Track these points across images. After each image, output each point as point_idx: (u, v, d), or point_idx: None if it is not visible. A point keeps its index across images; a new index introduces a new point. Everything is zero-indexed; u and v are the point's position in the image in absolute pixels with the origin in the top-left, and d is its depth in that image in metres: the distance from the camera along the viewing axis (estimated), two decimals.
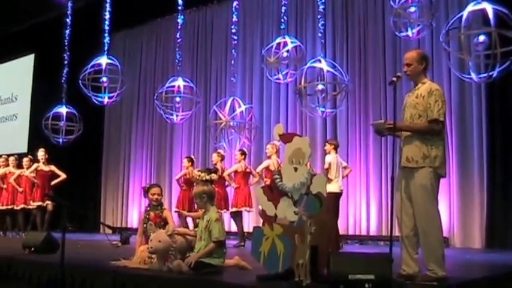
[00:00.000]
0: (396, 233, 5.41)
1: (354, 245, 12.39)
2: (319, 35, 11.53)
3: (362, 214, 12.91)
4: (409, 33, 9.96)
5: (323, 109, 11.23)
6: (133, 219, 17.13)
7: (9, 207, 13.47)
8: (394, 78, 5.39)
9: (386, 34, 12.87)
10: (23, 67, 19.89)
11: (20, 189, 13.34)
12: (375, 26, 13.26)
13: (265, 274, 5.02)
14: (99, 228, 16.99)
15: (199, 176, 6.63)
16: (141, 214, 15.58)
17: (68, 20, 13.81)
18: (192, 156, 12.55)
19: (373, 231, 12.71)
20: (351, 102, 13.09)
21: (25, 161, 13.50)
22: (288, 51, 11.37)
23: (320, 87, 10.74)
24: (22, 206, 13.24)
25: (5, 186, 13.62)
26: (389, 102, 12.33)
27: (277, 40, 11.43)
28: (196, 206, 8.46)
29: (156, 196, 6.76)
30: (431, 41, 12.05)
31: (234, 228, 11.51)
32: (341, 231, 11.31)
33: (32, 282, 6.49)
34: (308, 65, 10.90)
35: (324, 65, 10.70)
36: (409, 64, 5.46)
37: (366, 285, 4.26)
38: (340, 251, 8.73)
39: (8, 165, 13.93)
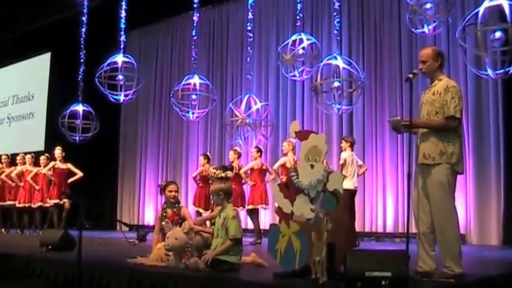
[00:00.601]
0: (413, 230, 5.40)
1: (371, 242, 12.36)
2: (335, 32, 11.50)
3: (378, 211, 12.88)
4: (425, 29, 9.92)
5: (339, 106, 11.21)
6: (150, 217, 17.18)
7: (27, 205, 13.55)
8: (411, 75, 5.37)
9: (402, 31, 12.81)
10: (40, 65, 19.97)
11: (37, 187, 13.41)
12: (390, 22, 13.21)
13: (282, 271, 5.02)
14: (116, 225, 17.06)
15: (215, 173, 6.62)
16: (157, 212, 15.68)
17: (84, 18, 13.85)
18: (208, 154, 12.58)
19: (389, 228, 12.67)
20: (367, 99, 13.06)
21: (42, 159, 13.55)
22: (303, 48, 11.36)
23: (336, 84, 10.73)
24: (39, 204, 13.30)
25: (22, 184, 13.70)
26: (406, 99, 12.31)
27: (293, 37, 11.42)
28: (212, 203, 8.50)
29: (173, 193, 6.76)
30: (447, 38, 11.99)
31: (250, 225, 11.52)
32: (357, 229, 11.29)
33: (49, 280, 6.52)
34: (324, 62, 10.89)
35: (340, 62, 10.69)
36: (424, 61, 5.44)
37: (383, 282, 4.25)
38: (356, 248, 8.70)
39: (25, 163, 14.01)
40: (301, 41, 11.34)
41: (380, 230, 12.83)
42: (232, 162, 11.38)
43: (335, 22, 11.33)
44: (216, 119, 15.72)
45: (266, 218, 13.45)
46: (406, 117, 5.41)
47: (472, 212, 11.55)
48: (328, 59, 10.91)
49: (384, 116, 12.70)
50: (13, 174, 13.91)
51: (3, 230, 14.43)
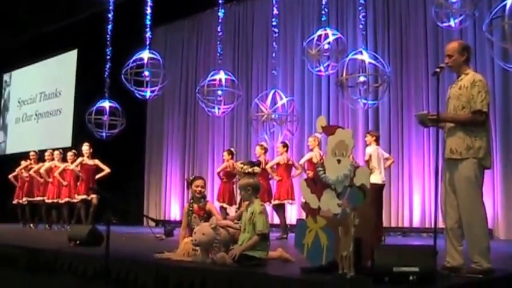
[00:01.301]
0: (440, 225, 5.37)
1: (397, 237, 12.32)
2: (360, 26, 11.47)
3: (405, 206, 12.83)
4: (451, 23, 9.84)
5: (365, 101, 11.18)
6: (176, 212, 17.28)
7: (55, 200, 13.70)
8: (438, 69, 5.33)
9: (428, 25, 12.73)
10: (67, 63, 20.18)
11: (65, 183, 13.53)
12: (416, 16, 13.13)
13: (309, 266, 5.02)
14: (143, 221, 17.17)
15: (242, 168, 6.60)
16: (184, 207, 15.76)
17: (110, 15, 13.96)
18: (232, 149, 12.60)
19: (416, 223, 12.62)
20: (392, 94, 13.00)
21: (69, 155, 13.68)
22: (329, 43, 11.33)
23: (362, 79, 10.70)
24: (67, 199, 13.44)
25: (50, 180, 13.84)
26: (431, 93, 12.25)
27: (319, 32, 11.41)
28: (240, 198, 8.53)
29: (199, 188, 6.77)
30: (473, 31, 11.89)
31: (276, 220, 11.53)
32: (384, 223, 11.26)
33: (78, 275, 6.56)
34: (350, 56, 10.86)
35: (365, 57, 10.65)
36: (450, 55, 5.40)
37: (411, 278, 4.23)
38: (382, 243, 8.68)
39: (53, 159, 14.15)
40: (326, 35, 11.32)
41: (406, 224, 12.78)
42: (259, 157, 11.39)
43: (360, 16, 11.30)
44: (242, 115, 15.75)
45: (292, 213, 13.46)
46: (432, 111, 5.38)
47: (500, 206, 11.46)
48: (354, 54, 10.88)
49: (410, 111, 12.64)
50: (42, 170, 14.05)
51: (31, 225, 14.61)
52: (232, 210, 11.79)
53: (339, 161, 4.94)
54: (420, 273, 4.25)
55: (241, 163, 7.11)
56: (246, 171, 6.27)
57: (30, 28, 19.39)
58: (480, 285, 4.76)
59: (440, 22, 10.00)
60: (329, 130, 5.17)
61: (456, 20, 9.78)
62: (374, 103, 11.81)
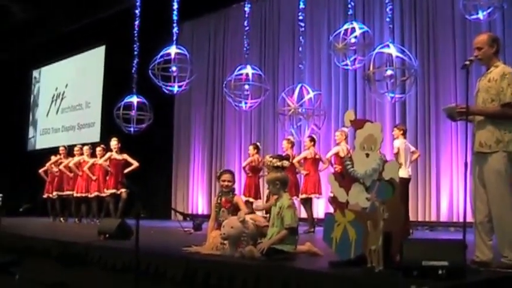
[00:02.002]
0: (469, 219, 5.35)
1: (424, 231, 12.26)
2: (387, 20, 11.39)
3: (432, 200, 12.76)
4: (480, 15, 9.76)
5: (392, 95, 11.12)
6: (203, 206, 17.37)
7: (84, 195, 13.83)
8: (467, 62, 5.29)
9: (455, 17, 12.60)
10: (95, 58, 20.33)
11: (94, 178, 13.66)
12: (443, 9, 13.02)
13: (337, 260, 5.03)
14: (171, 215, 17.27)
15: (271, 161, 6.63)
16: (211, 200, 15.81)
17: (137, 11, 14.01)
18: (258, 144, 12.60)
19: (443, 217, 12.54)
20: (420, 88, 12.91)
21: (98, 150, 13.79)
22: (356, 37, 11.29)
23: (389, 72, 10.64)
24: (96, 193, 13.56)
25: (80, 173, 13.98)
26: (459, 86, 12.17)
27: (345, 26, 11.36)
28: (268, 192, 8.55)
29: (226, 183, 6.80)
30: (502, 23, 11.77)
31: (303, 214, 11.54)
32: (411, 217, 11.22)
33: (108, 268, 6.64)
34: (376, 50, 10.80)
35: (392, 50, 10.59)
36: (479, 48, 5.36)
37: (440, 272, 4.22)
38: (409, 237, 8.65)
39: (82, 154, 14.30)
40: (353, 29, 11.27)
41: (433, 219, 12.72)
42: (286, 151, 11.41)
43: (387, 10, 11.22)
44: (269, 109, 15.75)
45: (319, 207, 13.46)
46: (460, 104, 5.35)
47: None
48: (381, 47, 10.83)
49: (437, 104, 12.57)
50: (71, 164, 14.21)
51: (61, 219, 14.78)
52: (258, 204, 11.82)
53: (367, 155, 4.95)
54: (450, 268, 4.23)
55: (270, 157, 7.15)
56: (275, 165, 6.30)
57: (59, 25, 19.55)
58: (510, 280, 4.72)
59: (469, 14, 9.92)
60: (357, 124, 5.17)
61: (484, 13, 9.71)
62: (401, 97, 11.74)
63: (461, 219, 10.38)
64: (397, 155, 10.08)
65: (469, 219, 5.36)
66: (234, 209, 6.55)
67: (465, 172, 5.11)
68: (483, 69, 5.44)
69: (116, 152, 13.33)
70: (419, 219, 12.80)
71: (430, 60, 13.13)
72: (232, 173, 6.99)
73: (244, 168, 12.32)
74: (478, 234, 5.18)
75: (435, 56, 13.07)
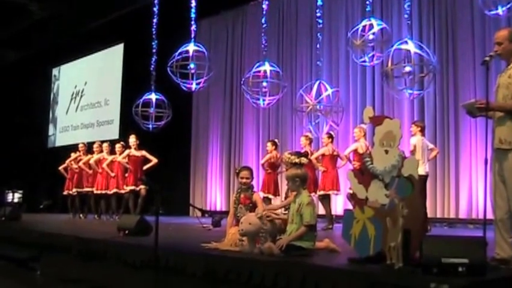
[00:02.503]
0: (489, 216, 5.32)
1: (443, 228, 12.22)
2: (405, 16, 11.36)
3: (451, 197, 12.70)
4: (499, 11, 9.69)
5: (410, 91, 11.09)
6: (222, 202, 17.41)
7: (103, 191, 13.91)
8: (487, 58, 5.25)
9: (474, 13, 12.51)
10: (113, 56, 20.44)
11: (113, 174, 13.72)
12: (462, 4, 12.94)
13: (356, 257, 5.03)
14: (189, 211, 17.33)
15: (289, 158, 6.64)
16: (229, 197, 15.84)
17: (155, 9, 14.08)
18: (276, 140, 12.60)
19: (462, 214, 12.48)
20: (438, 84, 12.86)
21: (117, 147, 13.85)
22: (374, 33, 11.27)
23: (407, 69, 10.60)
24: (115, 190, 13.62)
25: (100, 170, 14.05)
26: (478, 83, 12.10)
27: (363, 22, 11.34)
28: (287, 188, 8.56)
29: (244, 180, 6.83)
30: None
31: (321, 211, 11.54)
32: (429, 214, 11.18)
33: (127, 264, 6.68)
34: (395, 46, 10.77)
35: (411, 47, 10.55)
36: (499, 43, 5.31)
37: (460, 269, 4.19)
38: (427, 234, 8.62)
39: (101, 151, 14.35)
40: (371, 26, 11.25)
41: (452, 215, 12.66)
42: (304, 148, 11.40)
43: (405, 6, 11.18)
44: (287, 106, 15.74)
45: (337, 204, 13.45)
46: (481, 99, 5.31)
47: None
48: (399, 44, 10.79)
49: (457, 101, 12.51)
50: (91, 161, 14.28)
51: (81, 215, 14.87)
52: (277, 202, 11.83)
53: (386, 152, 4.94)
54: (470, 265, 4.20)
55: (289, 153, 7.16)
56: (293, 161, 6.31)
57: (78, 23, 19.66)
58: None
59: (488, 10, 9.85)
60: (376, 120, 5.16)
61: (504, 8, 9.63)
62: (419, 93, 11.69)
63: (480, 216, 10.38)
64: (413, 152, 10.05)
65: (489, 216, 5.33)
66: (253, 206, 6.57)
67: (485, 169, 5.09)
68: (503, 65, 5.39)
69: (135, 148, 13.38)
70: (438, 215, 12.75)
71: (448, 56, 13.05)
72: (250, 170, 7.01)
73: (263, 165, 12.32)
74: (498, 231, 5.15)
75: (454, 52, 13.00)
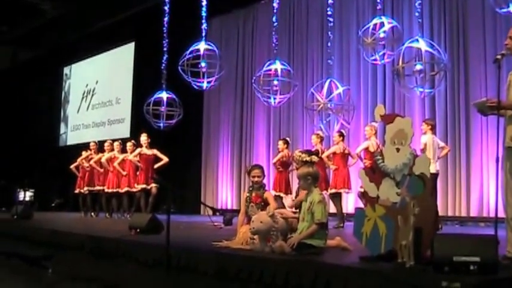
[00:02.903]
0: (500, 214, 5.31)
1: (454, 226, 12.19)
2: (416, 14, 11.35)
3: (462, 195, 12.67)
4: (511, 8, 9.64)
5: (421, 89, 11.06)
6: (233, 201, 17.42)
7: (115, 190, 13.93)
8: (499, 56, 5.21)
9: (485, 11, 12.46)
10: (124, 55, 20.48)
11: (124, 173, 13.73)
12: (473, 2, 12.89)
13: (368, 255, 5.02)
14: (200, 209, 17.34)
15: (300, 156, 6.64)
16: (240, 195, 15.84)
17: (166, 7, 14.11)
18: (288, 139, 12.60)
19: (473, 212, 12.45)
20: (449, 82, 12.81)
21: (129, 145, 13.82)
22: (384, 31, 11.25)
23: (418, 67, 10.58)
24: (126, 189, 13.63)
25: (111, 169, 14.08)
26: (490, 81, 12.05)
27: (374, 21, 11.33)
28: (298, 187, 8.56)
29: (256, 179, 6.83)
30: None
31: (332, 209, 11.53)
32: (440, 212, 11.16)
33: (139, 262, 6.69)
34: (406, 45, 10.75)
35: (422, 45, 10.52)
36: (511, 37, 5.30)
37: (471, 267, 4.17)
38: (438, 232, 8.60)
39: (112, 149, 14.36)
40: (382, 24, 11.24)
41: (463, 214, 12.62)
42: (315, 146, 11.40)
43: (416, 4, 11.18)
44: (298, 104, 15.74)
45: (348, 202, 13.44)
46: (492, 98, 5.29)
47: None
48: (410, 42, 10.77)
49: (468, 99, 12.47)
50: (103, 160, 14.30)
51: (92, 214, 14.91)
52: (288, 200, 11.82)
53: (397, 150, 4.93)
54: (481, 263, 4.17)
55: (300, 151, 7.14)
56: (304, 159, 6.30)
57: (89, 22, 19.72)
58: None
59: (499, 8, 9.81)
60: (388, 119, 5.15)
61: None
62: (431, 91, 11.67)
63: (491, 214, 10.36)
64: (423, 150, 10.03)
65: (501, 214, 5.31)
66: (265, 204, 6.57)
67: (497, 167, 5.07)
68: None
69: (146, 147, 13.39)
70: (449, 214, 12.72)
71: (459, 54, 13.01)
72: (261, 168, 7.00)
73: (275, 163, 12.32)
74: (509, 230, 5.12)
75: (465, 50, 12.96)
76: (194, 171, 18.72)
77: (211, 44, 13.17)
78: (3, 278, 7.26)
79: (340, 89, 12.14)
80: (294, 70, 13.68)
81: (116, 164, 13.85)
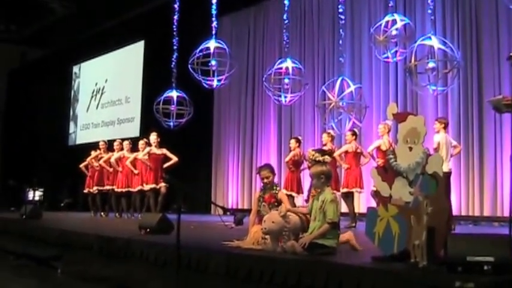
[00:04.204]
0: None
1: (467, 225, 12.10)
2: (429, 11, 11.24)
3: (475, 194, 12.57)
4: None
5: (434, 87, 10.97)
6: (244, 200, 17.38)
7: (124, 190, 13.88)
8: None
9: (499, 8, 12.37)
10: (134, 53, 20.48)
11: (136, 171, 13.66)
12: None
13: (380, 255, 4.97)
14: (210, 209, 17.31)
15: (313, 155, 6.58)
16: (251, 195, 15.81)
17: (176, 5, 14.06)
18: (299, 137, 12.53)
19: (487, 212, 12.35)
20: (463, 80, 12.71)
21: (141, 143, 13.69)
22: (397, 29, 11.17)
23: (431, 65, 10.49)
24: (139, 188, 13.53)
25: (120, 169, 14.05)
26: (504, 78, 11.97)
27: (386, 18, 11.24)
28: (310, 186, 8.50)
29: (265, 180, 6.77)
30: None
31: (344, 209, 11.46)
32: (453, 212, 11.07)
33: (149, 262, 6.66)
34: (418, 42, 10.66)
35: (434, 42, 10.43)
36: None
37: (485, 267, 4.13)
38: (452, 231, 8.53)
39: (122, 149, 14.32)
40: (394, 21, 11.15)
41: (477, 213, 12.52)
42: (325, 144, 11.33)
43: (429, 1, 11.08)
44: (309, 103, 15.68)
45: (361, 202, 13.37)
46: (508, 96, 5.22)
47: None
48: (422, 40, 10.68)
49: (481, 97, 12.39)
50: (112, 159, 14.27)
51: (102, 213, 14.88)
52: (300, 199, 11.77)
53: (410, 149, 4.88)
54: (495, 263, 4.14)
55: (313, 150, 7.09)
56: (317, 159, 6.25)
57: (98, 21, 19.74)
58: None
59: None
60: (400, 117, 5.10)
61: None
62: (443, 89, 11.57)
63: (505, 214, 10.26)
64: (436, 149, 9.95)
65: None
66: (278, 205, 6.50)
67: (510, 165, 5.00)
68: None
69: (156, 146, 13.34)
70: (463, 213, 12.63)
71: (473, 51, 12.92)
72: (270, 167, 6.93)
73: (287, 162, 12.24)
74: None
75: (478, 48, 12.86)
76: (204, 170, 18.70)
77: (222, 42, 13.11)
78: (12, 278, 7.23)
79: (352, 88, 12.06)
80: (305, 68, 13.62)
81: (127, 162, 13.78)
